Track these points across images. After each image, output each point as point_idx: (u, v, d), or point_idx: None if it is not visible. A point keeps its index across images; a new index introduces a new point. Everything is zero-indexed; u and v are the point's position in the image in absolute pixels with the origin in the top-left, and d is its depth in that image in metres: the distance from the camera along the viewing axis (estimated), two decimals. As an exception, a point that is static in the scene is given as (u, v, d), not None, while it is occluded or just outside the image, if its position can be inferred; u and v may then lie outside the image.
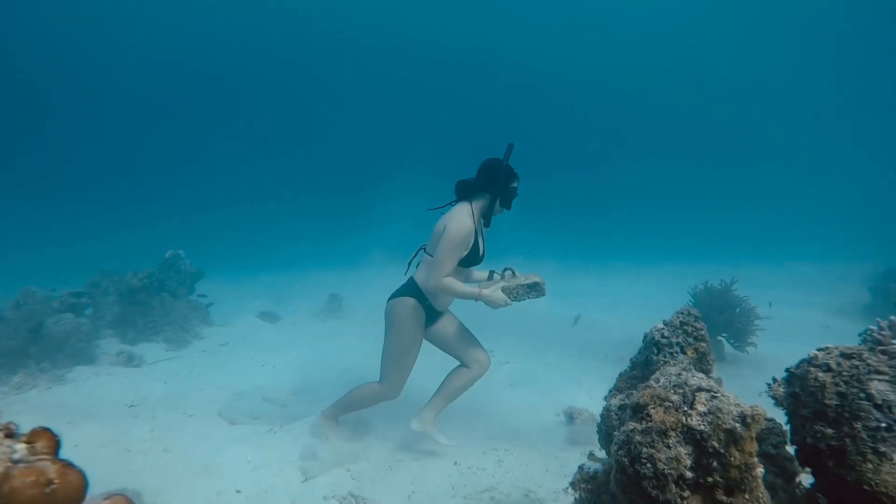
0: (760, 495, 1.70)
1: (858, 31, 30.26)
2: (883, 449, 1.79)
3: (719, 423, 1.64)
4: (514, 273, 3.84)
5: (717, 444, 1.63)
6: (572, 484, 2.10)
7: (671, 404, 1.70)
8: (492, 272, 4.00)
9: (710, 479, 1.65)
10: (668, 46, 34.79)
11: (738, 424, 1.62)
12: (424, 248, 3.95)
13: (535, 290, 3.63)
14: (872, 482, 1.77)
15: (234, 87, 36.65)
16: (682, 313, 2.37)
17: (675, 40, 34.31)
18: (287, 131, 38.42)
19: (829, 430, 1.88)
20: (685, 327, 2.34)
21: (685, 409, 1.68)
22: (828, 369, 1.92)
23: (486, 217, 3.78)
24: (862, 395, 1.83)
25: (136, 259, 8.81)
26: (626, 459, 1.71)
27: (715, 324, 6.07)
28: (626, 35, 34.79)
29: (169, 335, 7.18)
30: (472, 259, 3.77)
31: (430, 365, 4.52)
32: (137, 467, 3.75)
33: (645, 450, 1.67)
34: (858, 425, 1.82)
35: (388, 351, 3.98)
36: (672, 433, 1.67)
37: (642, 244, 18.49)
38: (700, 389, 1.71)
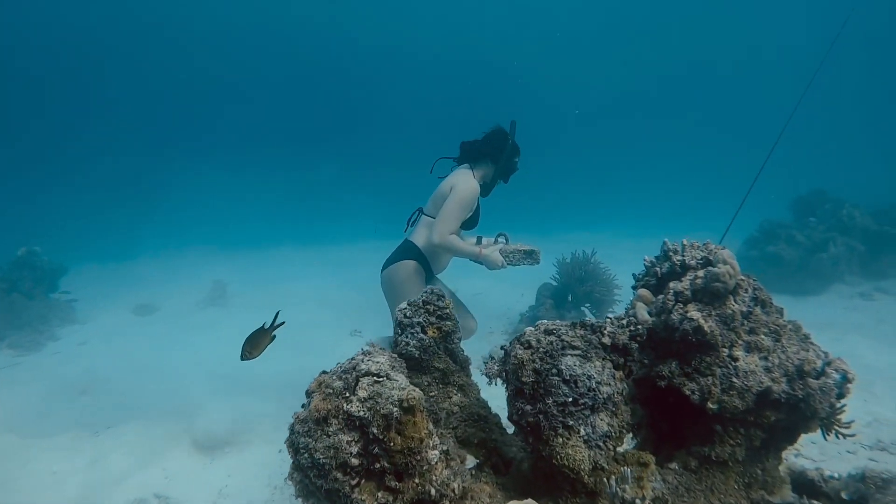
0: (436, 478, 1.65)
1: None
2: (571, 423, 1.78)
3: (378, 408, 1.56)
4: (507, 239, 3.92)
5: (377, 430, 1.55)
6: (289, 474, 2.01)
7: (332, 391, 1.61)
8: (480, 238, 4.03)
9: (377, 466, 1.58)
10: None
11: (395, 409, 1.55)
12: (422, 210, 3.90)
13: (531, 257, 3.71)
14: (558, 456, 1.76)
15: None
16: (426, 291, 2.31)
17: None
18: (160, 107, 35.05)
19: (528, 407, 1.85)
20: (427, 306, 2.28)
21: (347, 395, 1.60)
22: (528, 346, 1.89)
23: (485, 186, 3.81)
24: (554, 370, 1.81)
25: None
26: (291, 450, 1.62)
27: (576, 294, 6.18)
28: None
29: (16, 339, 6.59)
30: (472, 222, 3.81)
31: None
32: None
33: (303, 440, 1.57)
34: (550, 401, 1.80)
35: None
36: (333, 420, 1.58)
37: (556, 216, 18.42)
38: (367, 374, 1.63)
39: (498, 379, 2.00)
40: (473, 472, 1.98)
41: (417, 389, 1.60)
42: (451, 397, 2.24)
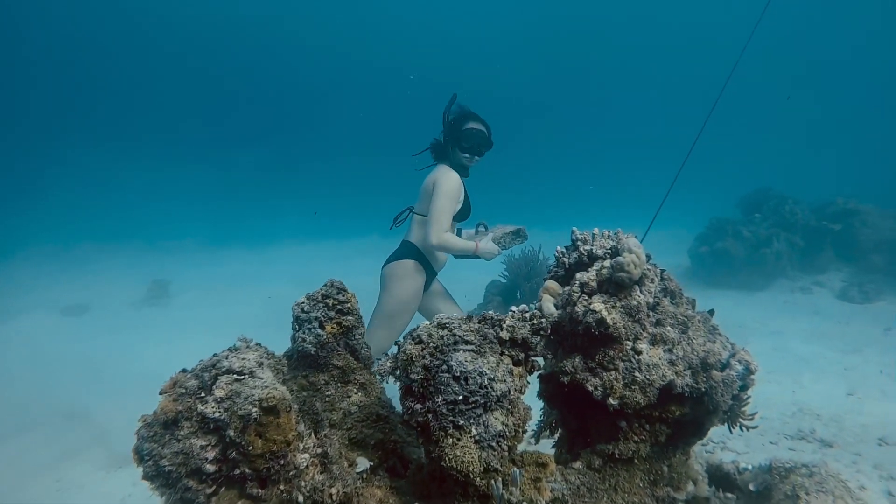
0: (305, 483, 1.51)
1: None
2: (461, 422, 1.66)
3: (235, 409, 1.41)
4: (486, 227, 3.89)
5: (233, 433, 1.40)
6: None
7: (185, 391, 1.45)
8: (459, 230, 3.99)
9: (237, 472, 1.43)
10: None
11: (254, 409, 1.41)
12: (412, 210, 3.81)
13: (519, 235, 3.70)
14: (447, 457, 1.64)
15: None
16: (326, 285, 2.17)
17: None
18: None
19: (418, 406, 1.72)
20: (327, 300, 2.14)
21: (202, 394, 1.44)
22: (419, 341, 1.76)
23: (461, 169, 3.72)
24: (444, 367, 1.69)
25: None
26: (136, 459, 1.45)
27: (524, 291, 6.12)
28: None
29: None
30: (464, 212, 3.72)
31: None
32: None
33: (147, 445, 1.41)
34: (439, 399, 1.68)
35: (379, 313, 3.76)
36: (185, 423, 1.43)
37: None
38: (228, 372, 1.48)
39: (391, 377, 1.87)
40: (365, 476, 1.84)
41: (281, 388, 1.45)
42: (349, 396, 2.11)
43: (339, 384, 2.11)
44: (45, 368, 5.33)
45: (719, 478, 2.69)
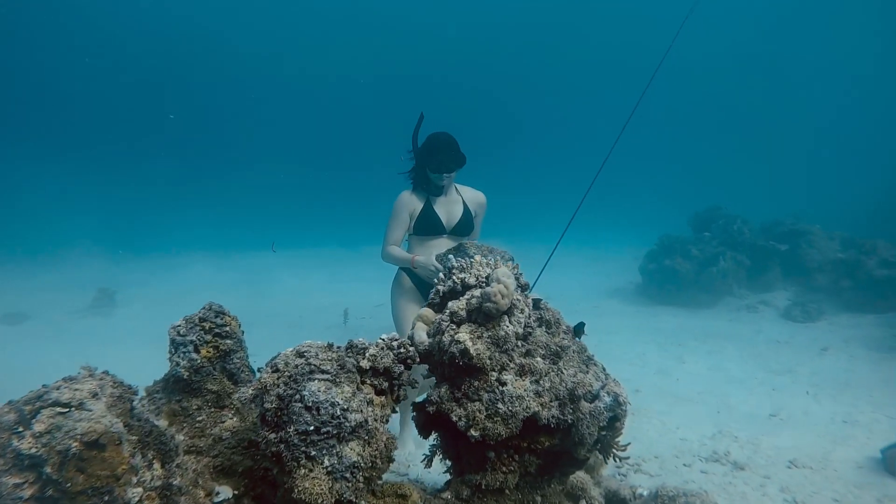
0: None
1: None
2: (313, 453, 1.64)
3: (54, 444, 1.36)
4: (464, 245, 3.79)
5: (50, 470, 1.35)
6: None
7: (1, 425, 1.40)
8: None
9: (60, 512, 1.38)
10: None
11: (74, 444, 1.36)
12: None
13: (459, 251, 3.58)
14: (297, 489, 1.61)
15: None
16: (204, 308, 2.13)
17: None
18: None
19: (272, 435, 1.69)
20: (204, 323, 2.10)
21: (20, 429, 1.39)
22: (275, 369, 1.74)
23: (427, 187, 3.82)
24: (297, 396, 1.66)
25: None
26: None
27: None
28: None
29: None
30: (422, 226, 3.82)
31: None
32: None
33: (-47, 485, 1.35)
34: (291, 429, 1.65)
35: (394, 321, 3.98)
36: None
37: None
38: (54, 404, 1.43)
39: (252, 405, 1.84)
40: (224, 507, 1.80)
41: (109, 420, 1.42)
42: (224, 422, 2.06)
43: (212, 409, 2.06)
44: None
45: (616, 503, 2.72)
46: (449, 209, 3.88)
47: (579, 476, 2.32)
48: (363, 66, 34.07)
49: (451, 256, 2.15)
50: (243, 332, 2.25)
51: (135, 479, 1.48)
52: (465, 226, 3.87)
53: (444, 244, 3.76)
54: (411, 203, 3.83)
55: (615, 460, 2.03)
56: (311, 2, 32.03)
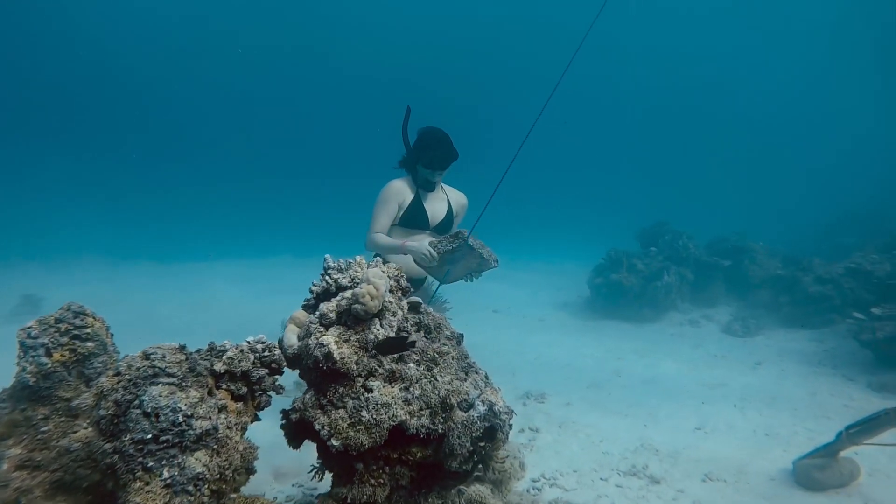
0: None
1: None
2: (151, 464, 1.51)
3: None
4: (463, 234, 3.67)
5: None
6: None
7: None
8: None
9: None
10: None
11: None
12: None
13: (458, 238, 3.52)
14: (128, 505, 1.48)
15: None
16: (62, 308, 1.98)
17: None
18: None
19: (107, 446, 1.56)
20: (60, 325, 1.96)
21: None
22: (117, 373, 1.61)
23: (422, 182, 3.78)
24: (136, 402, 1.54)
25: None
26: None
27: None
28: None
29: None
30: (410, 219, 3.77)
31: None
32: None
33: None
34: (127, 438, 1.52)
35: None
36: None
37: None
38: None
39: (94, 412, 1.70)
40: (57, 525, 1.65)
41: None
42: (76, 432, 1.90)
43: (63, 418, 1.90)
44: None
45: (516, 518, 2.63)
46: (435, 206, 3.87)
47: (478, 490, 2.23)
48: (310, 70, 33.38)
49: (327, 256, 2.05)
50: (112, 335, 2.11)
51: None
52: (446, 225, 3.87)
53: (424, 240, 3.68)
54: (402, 193, 3.78)
55: (495, 473, 1.96)
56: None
